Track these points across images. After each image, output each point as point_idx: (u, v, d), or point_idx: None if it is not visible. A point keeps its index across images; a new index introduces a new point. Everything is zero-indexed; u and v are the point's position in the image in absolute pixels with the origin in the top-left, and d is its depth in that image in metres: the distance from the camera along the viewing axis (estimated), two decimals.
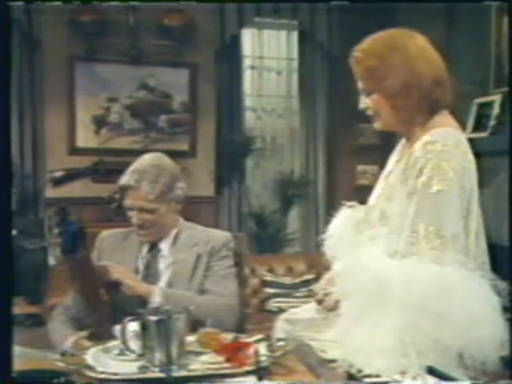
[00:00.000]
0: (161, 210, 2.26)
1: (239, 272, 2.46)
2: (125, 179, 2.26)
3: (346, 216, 1.85)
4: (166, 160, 2.33)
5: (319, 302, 1.86)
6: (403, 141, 1.94)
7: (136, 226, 2.27)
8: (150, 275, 2.28)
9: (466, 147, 1.74)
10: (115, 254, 2.33)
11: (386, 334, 1.51)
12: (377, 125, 1.88)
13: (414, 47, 1.79)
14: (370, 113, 1.87)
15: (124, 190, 2.26)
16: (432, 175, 1.65)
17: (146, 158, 2.31)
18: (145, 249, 2.33)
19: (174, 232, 2.33)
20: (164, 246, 2.32)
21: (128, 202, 2.26)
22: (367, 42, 1.83)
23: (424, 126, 1.78)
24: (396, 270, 1.59)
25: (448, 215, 1.65)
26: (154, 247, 2.33)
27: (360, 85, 1.85)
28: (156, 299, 2.11)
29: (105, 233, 2.45)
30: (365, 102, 1.86)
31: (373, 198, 1.94)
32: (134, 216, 2.26)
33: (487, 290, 1.57)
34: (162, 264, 2.30)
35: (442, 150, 1.67)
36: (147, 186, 2.22)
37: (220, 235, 2.38)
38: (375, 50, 1.80)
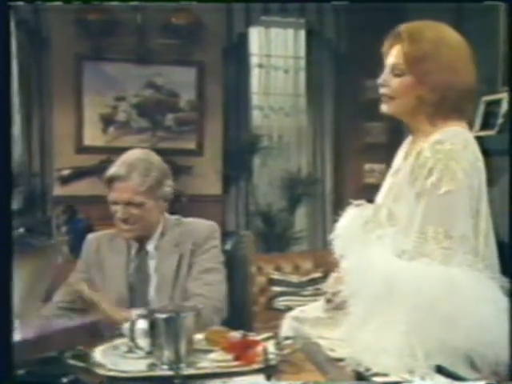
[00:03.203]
0: (148, 205, 2.19)
1: (245, 270, 2.46)
2: (114, 169, 2.19)
3: (353, 215, 1.82)
4: (155, 156, 2.27)
5: (328, 301, 1.85)
6: (409, 138, 1.92)
7: (120, 220, 2.19)
8: (141, 280, 2.23)
9: (474, 146, 1.72)
10: (102, 257, 2.29)
11: (393, 335, 1.51)
12: (388, 107, 1.82)
13: (463, 49, 1.78)
14: (383, 91, 1.81)
15: (111, 181, 2.19)
16: (441, 175, 1.63)
17: (135, 153, 2.26)
18: (133, 251, 2.27)
19: (158, 231, 2.26)
20: (150, 247, 2.26)
21: (114, 195, 2.19)
22: (422, 26, 1.79)
23: (434, 124, 1.76)
24: (404, 271, 1.57)
25: (457, 216, 1.64)
26: (141, 249, 2.26)
27: (394, 60, 1.78)
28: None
29: (91, 235, 2.39)
30: (385, 80, 1.80)
31: (380, 197, 1.92)
32: (119, 210, 2.18)
33: (496, 292, 1.55)
34: (151, 267, 2.24)
35: (451, 149, 1.65)
36: (138, 178, 2.16)
37: (202, 227, 2.29)
38: (432, 37, 1.75)
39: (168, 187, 2.26)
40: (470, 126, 1.81)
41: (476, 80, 1.78)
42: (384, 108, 1.83)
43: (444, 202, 1.64)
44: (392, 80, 1.79)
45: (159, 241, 2.26)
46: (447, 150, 1.65)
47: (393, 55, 1.80)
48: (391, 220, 1.74)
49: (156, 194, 2.21)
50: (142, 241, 2.27)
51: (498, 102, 4.02)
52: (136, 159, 2.21)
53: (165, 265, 2.22)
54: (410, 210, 1.69)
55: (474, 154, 1.70)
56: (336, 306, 1.79)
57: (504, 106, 3.93)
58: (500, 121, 3.93)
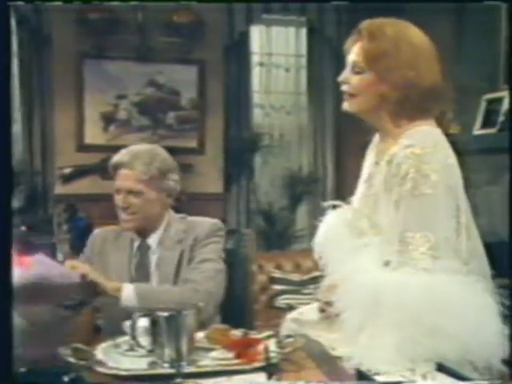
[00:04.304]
0: (149, 196, 2.19)
1: (247, 269, 2.46)
2: (118, 157, 2.20)
3: (334, 219, 1.82)
4: (161, 150, 2.28)
5: (321, 311, 1.84)
6: (377, 137, 1.89)
7: (120, 209, 2.19)
8: (142, 276, 2.22)
9: (444, 144, 1.70)
10: (106, 252, 2.29)
11: (385, 346, 1.50)
12: (349, 105, 1.79)
13: (425, 48, 1.75)
14: (344, 88, 1.79)
15: (116, 169, 2.20)
16: (415, 181, 1.62)
17: (141, 145, 2.29)
18: (135, 246, 2.27)
19: (162, 227, 2.26)
20: (153, 242, 2.25)
21: (117, 183, 2.20)
22: (383, 23, 1.77)
23: (399, 124, 1.74)
24: (388, 282, 1.57)
25: (438, 219, 1.63)
26: (143, 244, 2.26)
27: (355, 58, 1.77)
28: (125, 296, 2.04)
29: (98, 230, 2.39)
30: (346, 77, 1.79)
31: (356, 200, 1.90)
32: (120, 199, 2.19)
33: (481, 296, 1.55)
34: (153, 263, 2.24)
35: (422, 153, 1.63)
36: (141, 166, 2.16)
37: (205, 225, 2.28)
38: (392, 35, 1.73)
39: (172, 181, 2.25)
40: (439, 122, 1.77)
41: (441, 79, 1.75)
42: (345, 106, 1.81)
43: (421, 207, 1.63)
44: (353, 77, 1.77)
45: (162, 237, 2.26)
46: (417, 155, 1.63)
47: (354, 52, 1.78)
48: (374, 228, 1.73)
49: (159, 185, 2.21)
50: (144, 235, 2.26)
51: (499, 100, 4.01)
52: (141, 149, 2.23)
53: (166, 261, 2.22)
54: (391, 218, 1.68)
55: (444, 153, 1.69)
56: (329, 316, 1.78)
57: (505, 105, 3.92)
58: (501, 119, 3.92)
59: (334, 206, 1.83)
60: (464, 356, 1.49)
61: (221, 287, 2.20)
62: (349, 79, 1.78)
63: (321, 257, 1.80)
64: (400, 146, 1.68)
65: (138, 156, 2.18)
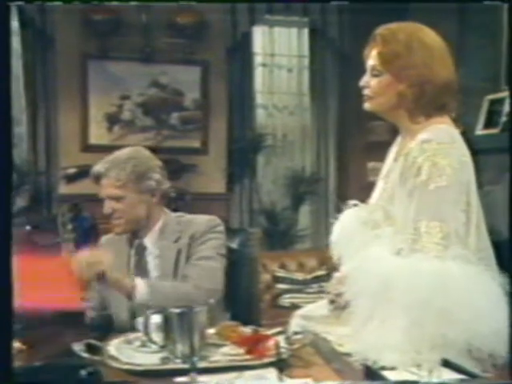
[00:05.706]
0: (129, 199, 2.22)
1: (253, 268, 2.48)
2: (95, 167, 2.25)
3: (350, 216, 1.86)
4: (143, 152, 2.30)
5: (331, 302, 1.88)
6: (399, 138, 1.96)
7: (106, 215, 2.24)
8: (141, 276, 2.22)
9: (460, 142, 1.77)
10: (112, 253, 2.27)
11: (394, 331, 1.53)
12: (369, 104, 1.89)
13: (438, 47, 1.84)
14: (366, 92, 1.88)
15: (96, 179, 2.24)
16: (430, 173, 1.68)
17: (123, 150, 2.29)
18: (134, 247, 2.30)
19: (157, 227, 2.28)
20: (149, 242, 2.28)
21: (101, 191, 2.24)
22: (396, 27, 1.86)
23: (417, 121, 1.83)
24: (399, 268, 1.60)
25: (448, 210, 1.68)
26: (140, 244, 2.29)
27: (372, 62, 1.86)
28: (141, 292, 2.08)
29: (104, 237, 2.44)
30: (366, 81, 1.88)
31: (374, 197, 1.95)
32: (104, 206, 2.23)
33: (490, 284, 1.58)
34: (151, 263, 2.27)
35: (438, 147, 1.70)
36: (115, 173, 2.20)
37: (201, 222, 2.30)
38: (404, 38, 1.82)
39: (154, 181, 2.26)
40: (455, 121, 1.85)
41: (454, 75, 1.84)
42: (366, 106, 1.91)
43: (435, 198, 1.68)
44: (371, 80, 1.87)
45: (158, 237, 2.28)
46: (434, 149, 1.70)
47: (371, 57, 1.88)
48: (388, 220, 1.78)
49: (138, 187, 2.23)
50: (139, 236, 2.29)
51: (501, 101, 4.03)
52: (117, 156, 2.26)
53: (164, 261, 2.24)
54: (404, 209, 1.73)
55: (460, 150, 1.75)
56: (339, 307, 1.81)
57: (507, 105, 3.95)
58: (503, 119, 3.94)
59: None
60: (471, 342, 1.52)
61: (220, 285, 2.22)
62: (368, 83, 1.88)
63: (335, 254, 1.85)
64: (417, 140, 1.75)
65: (113, 164, 2.22)
